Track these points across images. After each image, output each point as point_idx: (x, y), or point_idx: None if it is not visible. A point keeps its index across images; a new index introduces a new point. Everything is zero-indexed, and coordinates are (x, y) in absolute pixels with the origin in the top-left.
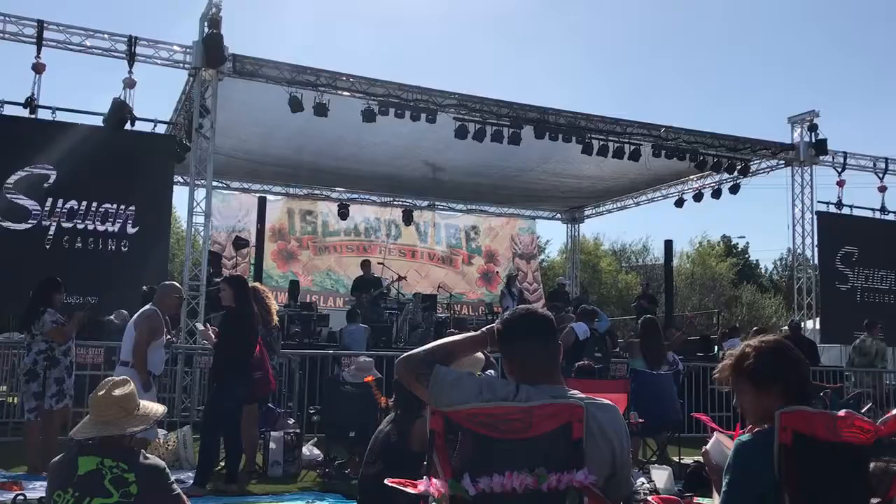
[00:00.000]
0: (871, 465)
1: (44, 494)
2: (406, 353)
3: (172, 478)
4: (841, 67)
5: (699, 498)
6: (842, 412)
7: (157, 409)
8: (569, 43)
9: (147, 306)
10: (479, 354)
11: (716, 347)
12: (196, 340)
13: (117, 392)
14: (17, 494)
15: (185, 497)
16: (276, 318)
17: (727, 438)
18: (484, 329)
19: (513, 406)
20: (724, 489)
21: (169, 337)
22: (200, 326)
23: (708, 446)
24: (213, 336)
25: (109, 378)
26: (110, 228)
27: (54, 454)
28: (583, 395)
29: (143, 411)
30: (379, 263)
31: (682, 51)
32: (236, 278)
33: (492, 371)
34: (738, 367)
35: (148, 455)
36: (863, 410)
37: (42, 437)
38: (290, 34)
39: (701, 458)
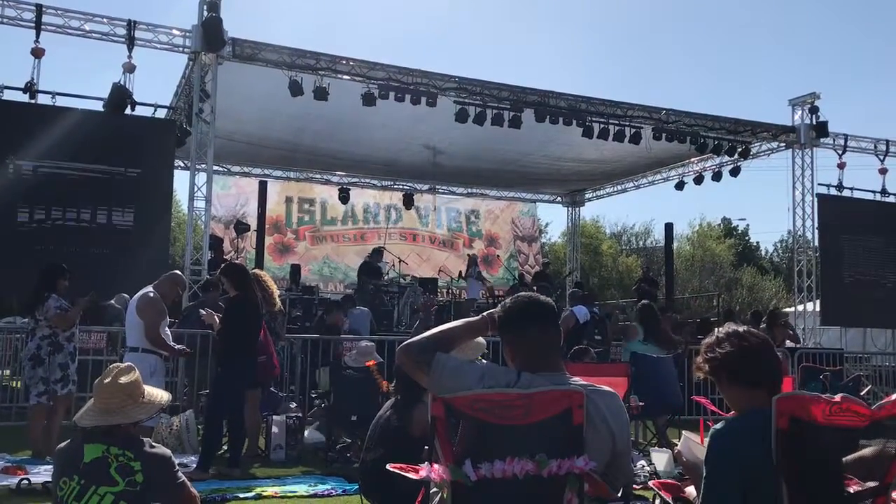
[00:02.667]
0: (868, 448)
1: (48, 479)
2: (406, 341)
3: (178, 465)
4: (843, 48)
5: None
6: (837, 396)
7: (163, 396)
8: (569, 27)
9: (148, 290)
10: (481, 339)
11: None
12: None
13: (123, 379)
14: (22, 478)
15: (189, 485)
16: (278, 302)
17: (695, 436)
18: (484, 314)
19: (513, 392)
20: (704, 480)
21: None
22: (203, 312)
23: (679, 446)
24: (217, 321)
25: (115, 364)
26: (111, 213)
27: (58, 439)
28: (583, 382)
29: (148, 399)
30: (383, 249)
31: (683, 34)
32: (231, 267)
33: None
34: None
35: (154, 444)
36: (861, 393)
37: (46, 422)
38: (290, 17)
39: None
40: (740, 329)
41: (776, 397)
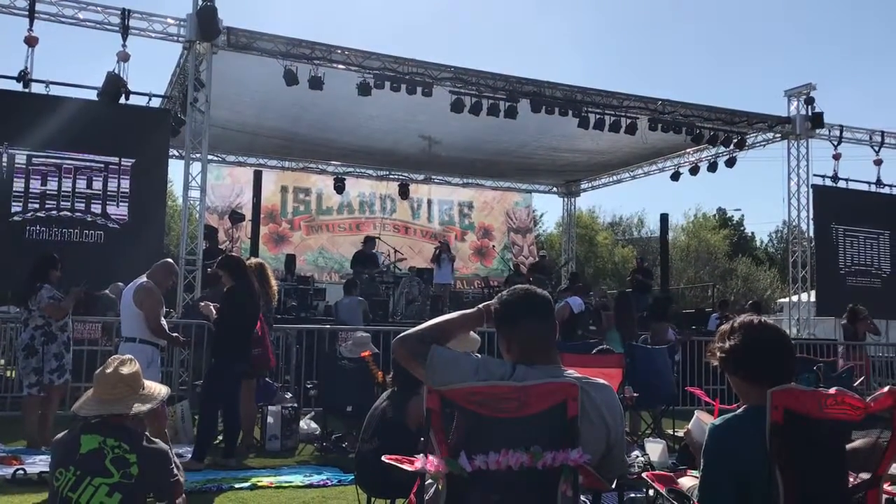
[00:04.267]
0: (861, 440)
1: (44, 469)
2: (402, 333)
3: (174, 463)
4: (840, 38)
5: (693, 471)
6: (832, 389)
7: (161, 390)
8: (566, 16)
9: (143, 280)
10: (475, 335)
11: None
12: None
13: (125, 370)
14: (17, 469)
15: (182, 484)
16: (275, 297)
17: (708, 416)
18: (480, 306)
19: (508, 385)
20: (701, 473)
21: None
22: (201, 304)
23: (689, 425)
24: (214, 312)
25: (116, 356)
26: (105, 203)
27: (53, 429)
28: (578, 375)
29: (147, 391)
30: (376, 238)
31: (679, 24)
32: (227, 260)
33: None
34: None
35: (154, 439)
36: (855, 384)
37: (41, 412)
38: (286, 6)
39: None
40: (754, 321)
41: (771, 390)
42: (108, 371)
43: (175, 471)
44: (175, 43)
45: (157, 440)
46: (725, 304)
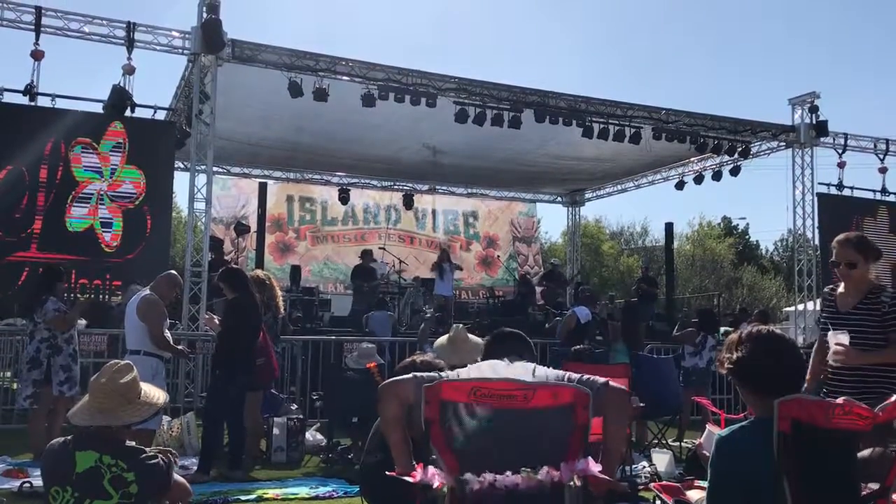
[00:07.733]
0: (869, 450)
1: None
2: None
3: (172, 472)
4: (844, 45)
5: (700, 481)
6: (840, 399)
7: (160, 396)
8: (569, 25)
9: (146, 292)
10: (479, 339)
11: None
12: (199, 326)
13: (121, 380)
14: (24, 482)
15: (182, 481)
16: (281, 308)
17: (718, 429)
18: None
19: (515, 382)
20: (708, 485)
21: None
22: (206, 316)
23: (701, 439)
24: (217, 325)
25: (115, 362)
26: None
27: None
28: (576, 376)
29: (144, 399)
30: (380, 248)
31: (682, 33)
32: (227, 272)
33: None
34: None
35: (150, 454)
36: None
37: (47, 425)
38: (290, 18)
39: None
40: (763, 331)
41: (778, 400)
42: (104, 380)
43: (173, 474)
44: (180, 56)
45: (155, 455)
46: (745, 311)
